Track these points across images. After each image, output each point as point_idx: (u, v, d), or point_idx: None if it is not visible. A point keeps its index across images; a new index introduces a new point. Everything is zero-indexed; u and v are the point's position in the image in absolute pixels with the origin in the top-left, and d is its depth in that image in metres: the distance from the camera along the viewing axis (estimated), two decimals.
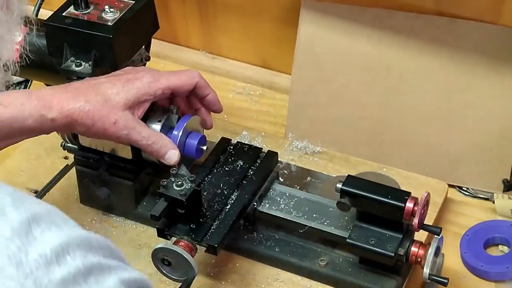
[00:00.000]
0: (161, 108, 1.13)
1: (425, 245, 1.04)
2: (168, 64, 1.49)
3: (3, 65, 0.75)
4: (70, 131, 1.09)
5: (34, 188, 1.25)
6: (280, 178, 1.18)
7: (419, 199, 1.03)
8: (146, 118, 1.12)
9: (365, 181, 1.07)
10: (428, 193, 1.04)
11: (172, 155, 1.09)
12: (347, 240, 1.05)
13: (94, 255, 0.64)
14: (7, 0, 0.72)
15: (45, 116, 1.01)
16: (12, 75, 0.76)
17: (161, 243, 1.05)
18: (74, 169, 1.22)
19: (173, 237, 1.07)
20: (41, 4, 1.28)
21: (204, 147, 1.14)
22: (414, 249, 1.04)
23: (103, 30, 1.12)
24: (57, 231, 0.64)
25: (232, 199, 1.10)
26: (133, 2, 1.16)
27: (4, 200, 0.64)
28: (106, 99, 1.05)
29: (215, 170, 1.14)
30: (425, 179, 1.23)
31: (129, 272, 0.66)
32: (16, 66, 0.76)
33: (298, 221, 1.10)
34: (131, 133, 1.06)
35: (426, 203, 1.04)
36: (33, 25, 0.95)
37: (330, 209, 1.10)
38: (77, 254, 0.63)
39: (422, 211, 1.03)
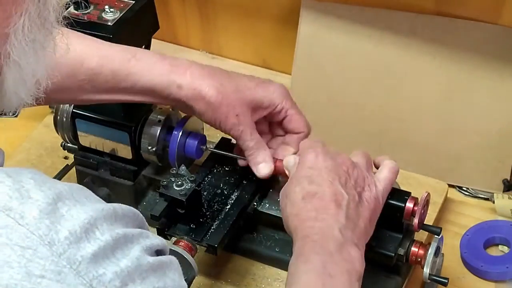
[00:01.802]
0: (161, 108, 1.13)
1: (425, 245, 1.04)
2: None
3: (35, 82, 0.75)
4: (188, 107, 1.05)
5: None
6: (280, 178, 1.18)
7: (419, 199, 1.03)
8: (146, 118, 1.12)
9: None
10: (428, 193, 1.04)
11: (264, 168, 1.07)
12: None
13: (119, 227, 0.68)
14: (44, 19, 0.73)
15: (174, 81, 1.02)
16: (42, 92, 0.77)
17: None
18: (74, 169, 1.22)
19: (173, 237, 1.07)
20: None
21: (202, 146, 1.14)
22: (414, 249, 1.04)
23: (103, 30, 1.12)
24: (81, 207, 0.66)
25: (232, 199, 1.10)
26: (133, 2, 1.16)
27: (28, 183, 0.66)
28: (238, 89, 1.04)
29: (215, 170, 1.14)
30: (425, 179, 1.23)
31: (150, 239, 0.70)
32: (48, 83, 0.77)
33: None
34: (245, 131, 1.05)
35: (426, 203, 1.04)
36: None
37: None
38: (105, 228, 0.66)
39: (422, 211, 1.03)
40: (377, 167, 1.00)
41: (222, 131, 1.07)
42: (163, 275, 0.70)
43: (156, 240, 0.71)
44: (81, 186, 0.70)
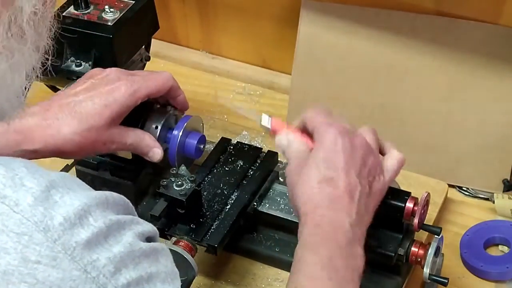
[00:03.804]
0: (160, 108, 1.13)
1: (425, 245, 1.04)
2: (168, 64, 1.49)
3: (16, 94, 0.75)
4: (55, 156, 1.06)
5: None
6: (280, 178, 1.18)
7: (419, 199, 1.03)
8: (145, 119, 1.12)
9: None
10: (428, 193, 1.04)
11: (156, 154, 1.09)
12: None
13: (112, 213, 0.69)
14: (20, 28, 0.72)
15: (26, 149, 0.99)
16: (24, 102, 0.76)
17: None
18: (74, 169, 1.22)
19: (173, 237, 1.07)
20: None
21: (202, 146, 1.14)
22: (414, 249, 1.04)
23: (103, 30, 1.12)
24: (74, 194, 0.67)
25: (232, 199, 1.10)
26: (133, 2, 1.16)
27: (20, 171, 0.67)
28: (90, 126, 1.02)
29: (215, 170, 1.14)
30: (425, 179, 1.23)
31: (141, 225, 0.72)
32: (26, 92, 0.76)
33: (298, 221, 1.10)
34: (118, 145, 1.06)
35: (426, 203, 1.04)
36: None
37: None
38: (98, 215, 0.67)
39: (422, 211, 1.03)
40: (382, 153, 0.99)
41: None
42: (156, 261, 0.71)
43: (147, 226, 0.72)
44: (71, 175, 0.71)
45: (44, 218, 0.65)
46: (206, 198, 1.10)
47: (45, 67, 0.77)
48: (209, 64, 1.48)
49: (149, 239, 0.73)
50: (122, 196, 0.73)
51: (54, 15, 0.76)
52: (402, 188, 1.14)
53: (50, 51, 0.77)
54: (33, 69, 0.75)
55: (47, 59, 0.77)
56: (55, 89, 1.28)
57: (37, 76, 0.76)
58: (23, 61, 0.73)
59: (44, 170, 0.69)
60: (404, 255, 1.04)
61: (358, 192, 0.91)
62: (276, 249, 1.12)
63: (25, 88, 0.76)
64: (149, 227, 0.73)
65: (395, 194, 1.04)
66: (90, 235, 0.66)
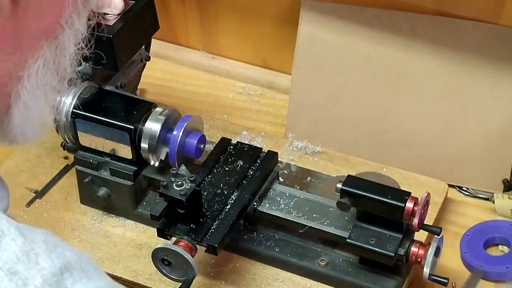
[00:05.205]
0: (161, 109, 1.13)
1: (425, 245, 1.04)
2: (168, 64, 1.49)
3: (42, 123, 0.75)
4: None
5: (34, 188, 1.25)
6: (280, 178, 1.18)
7: (419, 199, 1.03)
8: (146, 118, 1.12)
9: (365, 181, 1.07)
10: (428, 193, 1.04)
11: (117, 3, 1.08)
12: (347, 240, 1.05)
13: None
14: (58, 65, 0.72)
15: None
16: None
17: (161, 243, 1.05)
18: (74, 169, 1.22)
19: (173, 237, 1.07)
20: None
21: (202, 146, 1.14)
22: (414, 249, 1.04)
23: (103, 30, 1.12)
24: (87, 281, 0.64)
25: (232, 199, 1.10)
26: (133, 2, 1.16)
27: (38, 246, 0.64)
28: None
29: (215, 170, 1.14)
30: (425, 179, 1.23)
31: None
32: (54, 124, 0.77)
33: (298, 221, 1.10)
34: None
35: (426, 203, 1.04)
36: None
37: (330, 209, 1.10)
38: None
39: (422, 211, 1.03)
40: None
41: None
42: None
43: None
44: (89, 257, 0.68)
45: None
46: (206, 198, 1.10)
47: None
48: (209, 64, 1.48)
49: None
50: None
51: None
52: (402, 188, 1.14)
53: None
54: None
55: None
56: None
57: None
58: (55, 98, 0.75)
59: (64, 247, 0.66)
60: (404, 255, 1.04)
61: None
62: (276, 249, 1.12)
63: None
64: None
65: (395, 194, 1.04)
66: None
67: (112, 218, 1.20)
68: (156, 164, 1.14)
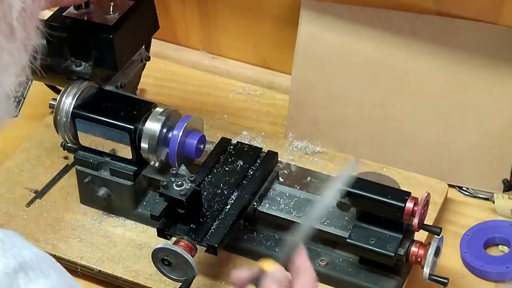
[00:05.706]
0: (161, 109, 1.13)
1: (425, 245, 1.04)
2: (168, 64, 1.49)
3: (6, 96, 0.72)
4: None
5: (34, 188, 1.25)
6: (280, 178, 1.18)
7: (419, 199, 1.03)
8: (146, 118, 1.12)
9: (365, 181, 1.06)
10: (428, 193, 1.04)
11: None
12: (347, 240, 1.05)
13: None
14: (9, 25, 0.69)
15: None
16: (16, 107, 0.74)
17: (161, 243, 1.05)
18: (74, 169, 1.22)
19: (173, 237, 1.07)
20: None
21: (202, 146, 1.14)
22: (414, 249, 1.04)
23: (103, 30, 1.12)
24: (44, 282, 0.62)
25: (232, 199, 1.10)
26: (133, 2, 1.16)
27: None
28: None
29: (215, 170, 1.14)
30: (425, 179, 1.23)
31: None
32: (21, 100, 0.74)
33: (298, 221, 1.10)
34: None
35: (426, 203, 1.04)
36: None
37: (330, 209, 1.10)
38: None
39: (422, 211, 1.03)
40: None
41: None
42: None
43: None
44: (48, 256, 0.66)
45: None
46: (206, 198, 1.10)
47: (34, 67, 0.74)
48: (209, 64, 1.48)
49: None
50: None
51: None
52: (402, 188, 1.14)
53: (39, 50, 0.74)
54: (23, 68, 0.72)
55: (35, 58, 0.74)
56: (55, 89, 1.28)
57: (27, 77, 0.74)
58: (11, 60, 0.70)
59: (22, 247, 0.64)
60: (404, 255, 1.04)
61: None
62: (276, 249, 1.12)
63: (20, 88, 0.73)
64: None
65: (395, 194, 1.04)
66: None
67: (112, 218, 1.20)
68: (156, 164, 1.14)
